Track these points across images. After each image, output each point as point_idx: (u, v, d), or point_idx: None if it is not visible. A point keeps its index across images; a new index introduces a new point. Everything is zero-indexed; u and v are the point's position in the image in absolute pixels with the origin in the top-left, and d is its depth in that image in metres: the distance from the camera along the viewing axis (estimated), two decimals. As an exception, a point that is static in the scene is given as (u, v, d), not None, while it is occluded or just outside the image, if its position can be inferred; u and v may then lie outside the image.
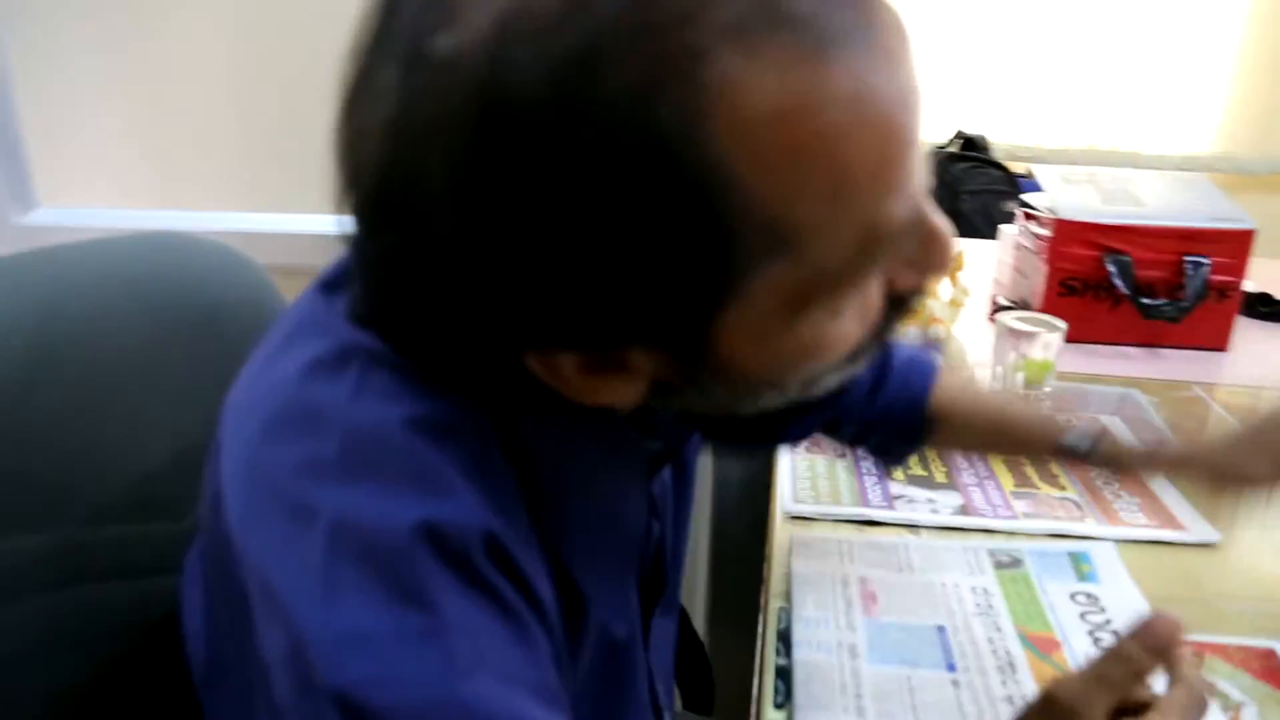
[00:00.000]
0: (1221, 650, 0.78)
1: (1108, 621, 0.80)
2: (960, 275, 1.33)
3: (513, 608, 0.40)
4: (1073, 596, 0.83)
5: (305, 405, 0.43)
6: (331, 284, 0.48)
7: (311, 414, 0.42)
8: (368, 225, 0.40)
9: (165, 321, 0.68)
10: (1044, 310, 1.40)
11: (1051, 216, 1.52)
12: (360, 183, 0.39)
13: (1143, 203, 1.55)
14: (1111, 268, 1.47)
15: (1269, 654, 0.79)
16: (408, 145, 0.36)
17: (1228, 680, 0.75)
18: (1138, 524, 0.96)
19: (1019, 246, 1.66)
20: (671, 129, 0.32)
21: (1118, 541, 0.92)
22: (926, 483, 1.02)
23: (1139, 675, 0.50)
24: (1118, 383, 1.35)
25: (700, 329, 0.39)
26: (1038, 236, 1.56)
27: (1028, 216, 1.63)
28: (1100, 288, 1.51)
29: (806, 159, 0.34)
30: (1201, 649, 0.78)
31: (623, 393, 0.43)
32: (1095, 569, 0.87)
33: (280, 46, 1.64)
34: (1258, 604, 0.86)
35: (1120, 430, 1.17)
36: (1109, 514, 0.97)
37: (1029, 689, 0.71)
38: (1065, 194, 1.58)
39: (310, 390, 0.43)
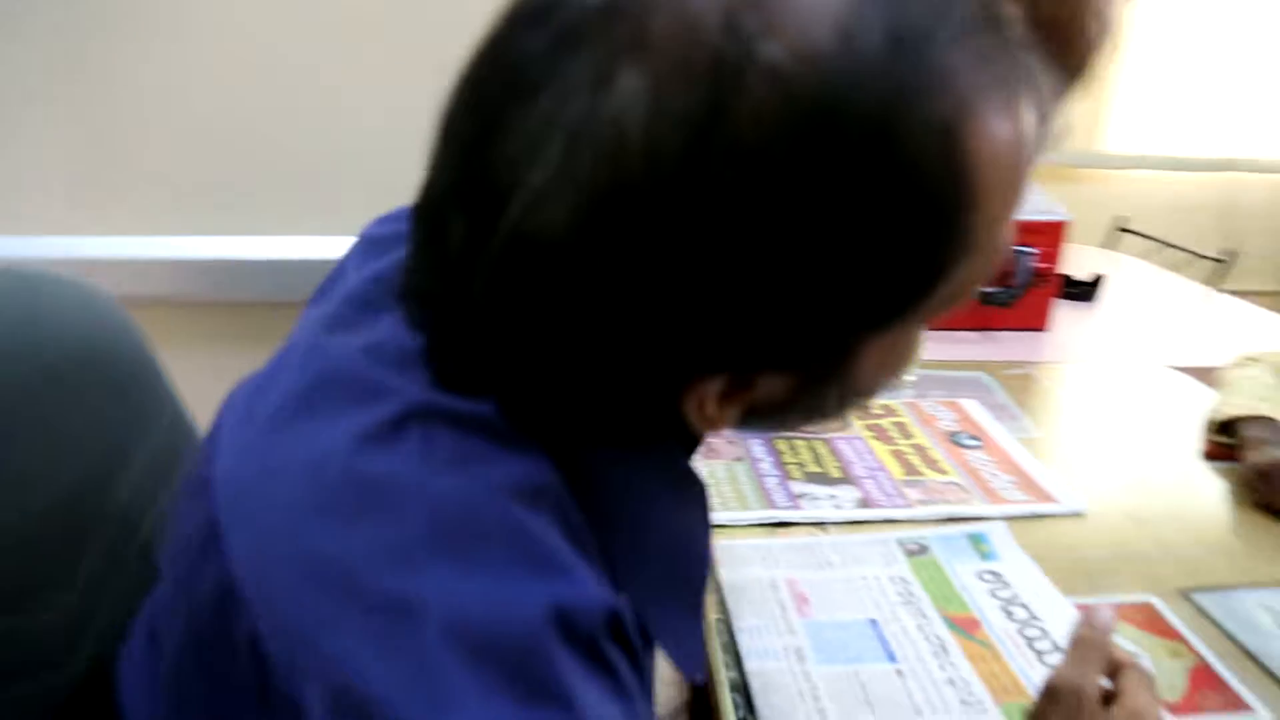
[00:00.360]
0: (1117, 609, 0.85)
1: (1015, 596, 0.85)
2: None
3: (626, 687, 0.37)
4: (979, 576, 0.88)
5: (367, 478, 0.37)
6: (344, 324, 0.43)
7: (377, 488, 0.37)
8: (526, 262, 0.35)
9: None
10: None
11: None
12: (536, 206, 0.34)
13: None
14: (1019, 260, 1.58)
15: (1147, 607, 0.86)
16: (649, 160, 0.33)
17: (1117, 636, 0.82)
18: (1018, 500, 1.03)
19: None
20: (956, 157, 0.35)
21: (1005, 519, 0.98)
22: (824, 479, 1.05)
23: (1104, 654, 0.55)
24: (966, 367, 1.44)
25: (858, 342, 0.40)
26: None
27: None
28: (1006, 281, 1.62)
29: (1014, 187, 0.39)
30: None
31: (731, 417, 0.42)
32: (993, 548, 0.93)
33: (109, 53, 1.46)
34: (1128, 564, 0.94)
35: (979, 413, 1.26)
36: (991, 494, 1.04)
37: (964, 669, 0.75)
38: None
39: (369, 460, 0.37)
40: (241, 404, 0.43)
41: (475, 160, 0.36)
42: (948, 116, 0.34)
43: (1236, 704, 0.74)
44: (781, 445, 1.11)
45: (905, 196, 0.35)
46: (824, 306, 0.37)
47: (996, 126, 0.36)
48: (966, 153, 0.35)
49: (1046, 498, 1.04)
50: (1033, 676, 0.74)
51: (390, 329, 0.42)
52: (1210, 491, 1.11)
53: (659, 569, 0.47)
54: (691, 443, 0.52)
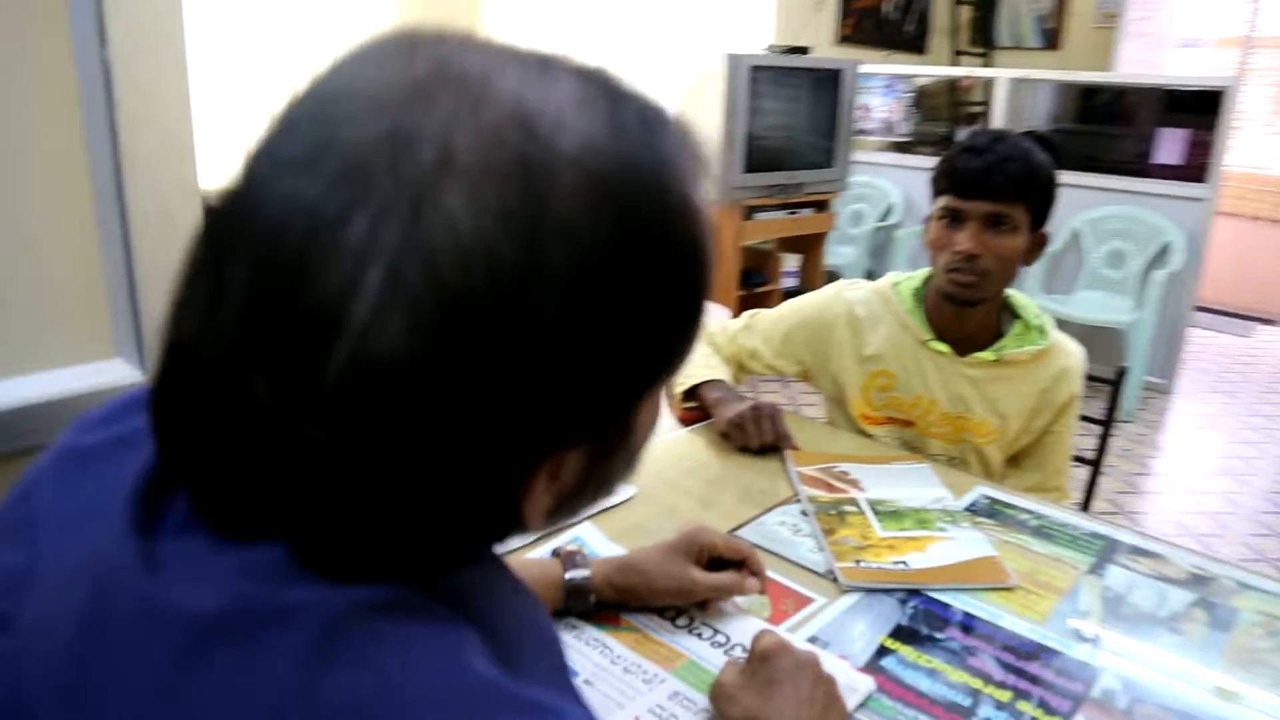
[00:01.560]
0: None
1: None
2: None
3: None
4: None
5: (345, 708, 0.35)
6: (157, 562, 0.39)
7: (362, 713, 0.35)
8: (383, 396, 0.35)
9: None
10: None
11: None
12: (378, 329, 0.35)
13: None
14: None
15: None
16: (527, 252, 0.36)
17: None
18: (587, 501, 1.19)
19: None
20: (695, 232, 0.42)
21: (589, 519, 1.14)
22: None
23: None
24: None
25: (640, 400, 0.45)
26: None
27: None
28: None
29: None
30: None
31: (544, 504, 0.44)
32: (591, 546, 1.07)
33: None
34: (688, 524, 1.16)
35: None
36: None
37: (631, 656, 0.88)
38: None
39: (335, 687, 0.35)
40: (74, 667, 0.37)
41: (273, 315, 0.35)
42: (685, 184, 0.41)
43: (801, 600, 0.99)
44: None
45: (681, 251, 0.41)
46: (632, 366, 0.41)
47: (704, 192, 0.43)
48: (700, 212, 0.42)
49: (605, 491, 1.21)
50: (681, 641, 0.90)
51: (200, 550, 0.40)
52: (702, 448, 1.40)
53: (542, 659, 0.50)
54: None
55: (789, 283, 4.37)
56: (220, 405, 0.37)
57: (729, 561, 0.94)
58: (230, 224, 0.38)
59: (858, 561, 1.04)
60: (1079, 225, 4.33)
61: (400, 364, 0.35)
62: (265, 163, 0.37)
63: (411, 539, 0.40)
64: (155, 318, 0.91)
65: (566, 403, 0.39)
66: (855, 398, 1.53)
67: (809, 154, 4.19)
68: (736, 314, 1.66)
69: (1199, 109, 4.37)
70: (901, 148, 5.32)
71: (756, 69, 3.88)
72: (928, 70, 5.16)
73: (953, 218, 1.39)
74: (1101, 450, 1.72)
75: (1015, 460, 1.55)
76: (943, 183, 1.40)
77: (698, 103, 4.01)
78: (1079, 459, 1.66)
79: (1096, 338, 4.40)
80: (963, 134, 1.51)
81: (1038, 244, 1.42)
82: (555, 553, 0.94)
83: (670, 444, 1.41)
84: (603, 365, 0.39)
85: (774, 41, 4.71)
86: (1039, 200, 1.38)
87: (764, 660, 0.77)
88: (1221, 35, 5.79)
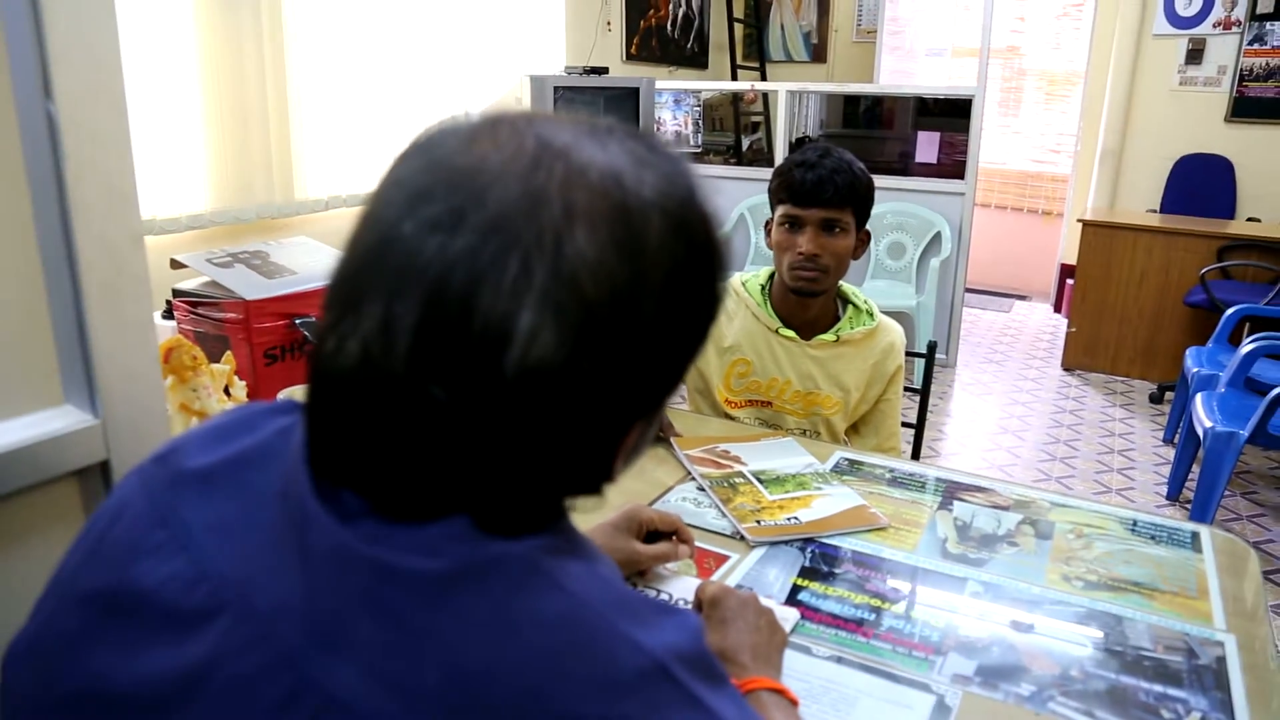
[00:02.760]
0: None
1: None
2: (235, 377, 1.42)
3: None
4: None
5: (556, 618, 0.48)
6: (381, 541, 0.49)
7: (566, 619, 0.48)
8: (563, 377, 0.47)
9: None
10: (249, 378, 1.57)
11: (237, 299, 1.67)
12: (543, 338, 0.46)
13: (295, 269, 1.82)
14: (305, 330, 1.72)
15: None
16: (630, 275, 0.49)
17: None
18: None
19: (184, 333, 1.76)
20: (720, 241, 0.55)
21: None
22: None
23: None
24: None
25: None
26: (224, 321, 1.70)
27: (190, 305, 1.74)
28: (295, 349, 1.75)
29: None
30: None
31: (622, 462, 0.57)
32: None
33: None
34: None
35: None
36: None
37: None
38: (228, 277, 1.74)
39: (546, 604, 0.48)
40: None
41: (445, 337, 0.46)
42: (709, 208, 0.55)
43: (720, 557, 1.14)
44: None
45: (718, 257, 0.55)
46: (691, 348, 0.55)
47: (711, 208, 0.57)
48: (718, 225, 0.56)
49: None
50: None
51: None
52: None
53: None
54: None
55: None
56: (401, 410, 0.47)
57: (662, 533, 1.07)
58: (380, 271, 0.48)
59: (758, 521, 1.21)
60: (861, 221, 4.78)
61: (556, 362, 0.47)
62: (407, 224, 0.48)
63: (558, 495, 0.54)
64: (106, 363, 0.94)
65: (656, 380, 0.53)
66: (718, 385, 1.71)
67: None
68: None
69: (951, 113, 4.95)
70: (695, 158, 5.65)
71: (560, 89, 4.04)
72: (712, 85, 5.52)
73: (792, 224, 1.61)
74: (922, 412, 1.99)
75: (855, 428, 1.79)
76: (781, 194, 1.61)
77: (507, 124, 4.12)
78: (905, 423, 1.92)
79: (885, 322, 4.88)
80: (785, 149, 1.72)
81: (864, 241, 1.66)
82: None
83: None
84: (679, 349, 0.54)
85: (568, 62, 4.90)
86: (862, 205, 1.63)
87: (714, 604, 0.92)
88: (958, 46, 6.53)
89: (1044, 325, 5.80)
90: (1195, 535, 1.22)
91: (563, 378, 0.47)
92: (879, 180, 4.76)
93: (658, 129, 5.33)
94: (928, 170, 4.90)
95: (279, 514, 0.51)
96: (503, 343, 0.46)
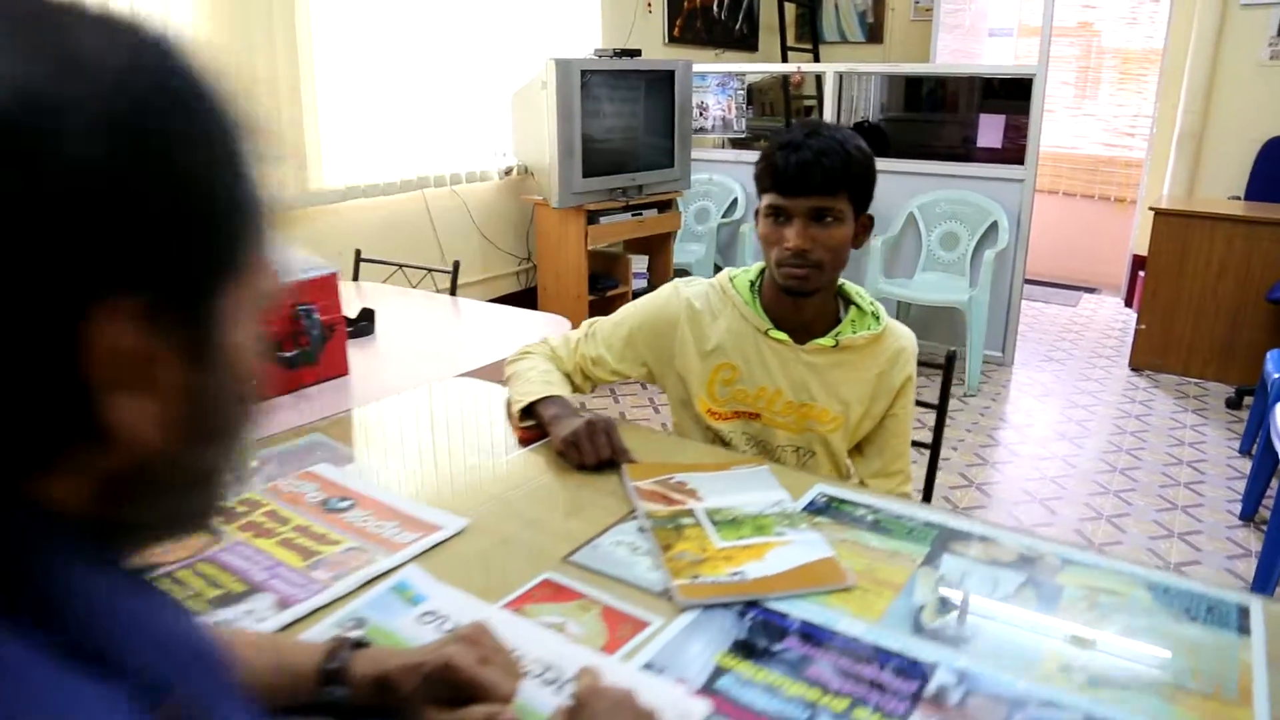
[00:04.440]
0: (531, 596, 1.00)
1: (458, 624, 0.94)
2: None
3: None
4: (420, 620, 0.95)
5: None
6: None
7: None
8: None
9: None
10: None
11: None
12: None
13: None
14: None
15: (547, 583, 1.03)
16: None
17: (543, 616, 0.97)
18: (411, 540, 1.11)
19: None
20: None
21: (413, 560, 1.06)
22: (231, 599, 0.99)
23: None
24: (299, 434, 1.47)
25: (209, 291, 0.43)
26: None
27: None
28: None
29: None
30: (518, 603, 0.98)
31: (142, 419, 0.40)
32: (418, 590, 1.00)
33: None
34: (518, 552, 1.10)
35: (334, 473, 1.30)
36: (387, 544, 1.11)
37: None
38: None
39: None
40: None
41: None
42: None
43: (639, 624, 0.94)
44: (172, 585, 1.02)
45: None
46: (156, 214, 0.39)
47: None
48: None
49: (432, 528, 1.14)
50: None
51: None
52: (540, 469, 1.34)
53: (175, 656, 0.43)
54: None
55: (640, 284, 4.37)
56: None
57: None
58: None
59: (695, 577, 1.01)
60: (914, 210, 4.49)
61: None
62: None
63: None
64: None
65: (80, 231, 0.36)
66: (700, 394, 1.51)
67: (649, 155, 4.19)
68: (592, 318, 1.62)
69: (1013, 95, 4.61)
70: (740, 144, 5.41)
71: (587, 73, 3.85)
72: (757, 67, 5.26)
73: (778, 214, 1.40)
74: (938, 433, 1.76)
75: (860, 448, 1.57)
76: (765, 181, 1.40)
77: (532, 110, 3.95)
78: (918, 444, 1.68)
79: (939, 318, 4.59)
80: (783, 129, 1.51)
81: (864, 227, 1.45)
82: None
83: (507, 466, 1.34)
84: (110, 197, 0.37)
85: (601, 45, 4.70)
86: (859, 188, 1.41)
87: (582, 706, 0.73)
88: (1025, 25, 6.14)
89: (1113, 321, 5.42)
90: (1244, 611, 0.97)
91: None
92: (931, 166, 4.49)
93: (700, 114, 5.11)
94: (988, 155, 4.58)
95: None
96: None
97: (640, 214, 4.20)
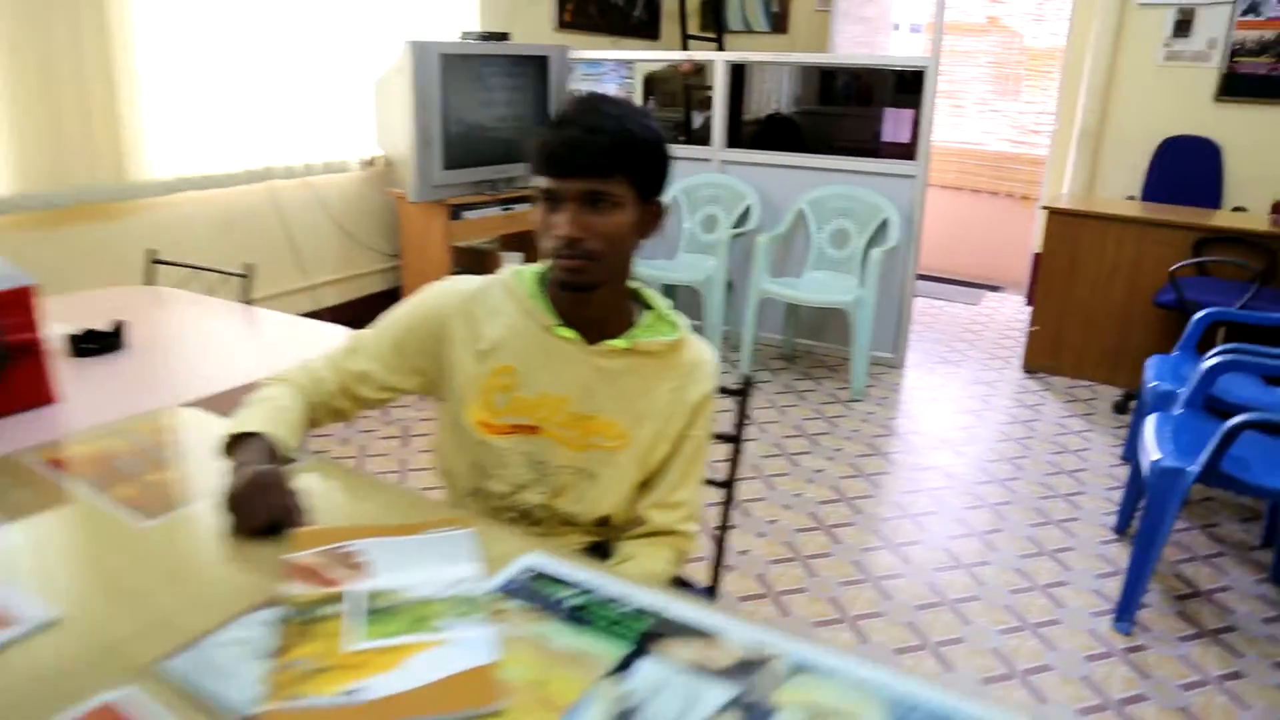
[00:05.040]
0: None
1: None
2: None
3: None
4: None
5: None
6: None
7: None
8: None
9: None
10: None
11: None
12: None
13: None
14: None
15: (105, 710, 0.78)
16: None
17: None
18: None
19: None
20: None
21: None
22: None
23: None
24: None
25: None
26: None
27: None
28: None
29: None
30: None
31: None
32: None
33: None
34: (106, 655, 0.85)
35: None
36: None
37: None
38: None
39: None
40: None
41: None
42: None
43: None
44: None
45: None
46: None
47: None
48: None
49: (5, 621, 0.88)
50: None
51: None
52: (194, 537, 1.09)
53: None
54: None
55: (515, 284, 4.11)
56: None
57: None
58: None
59: (294, 697, 0.77)
60: (804, 206, 4.31)
61: None
62: None
63: None
64: None
65: None
66: (474, 403, 1.29)
67: (518, 146, 3.93)
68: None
69: (907, 89, 4.46)
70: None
71: (449, 57, 3.58)
72: (644, 55, 5.01)
73: (550, 199, 1.20)
74: (734, 468, 1.54)
75: (652, 479, 1.35)
76: (537, 162, 1.20)
77: (392, 97, 3.67)
78: (711, 482, 1.47)
79: (831, 319, 4.42)
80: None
81: (653, 215, 1.26)
82: None
83: (162, 529, 1.09)
84: None
85: (480, 30, 4.42)
86: (643, 170, 1.22)
87: None
88: (928, 20, 6.02)
89: (1012, 319, 5.32)
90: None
91: None
92: (823, 161, 4.30)
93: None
94: (896, 150, 4.40)
95: None
96: None
97: (510, 208, 3.94)
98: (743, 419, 1.51)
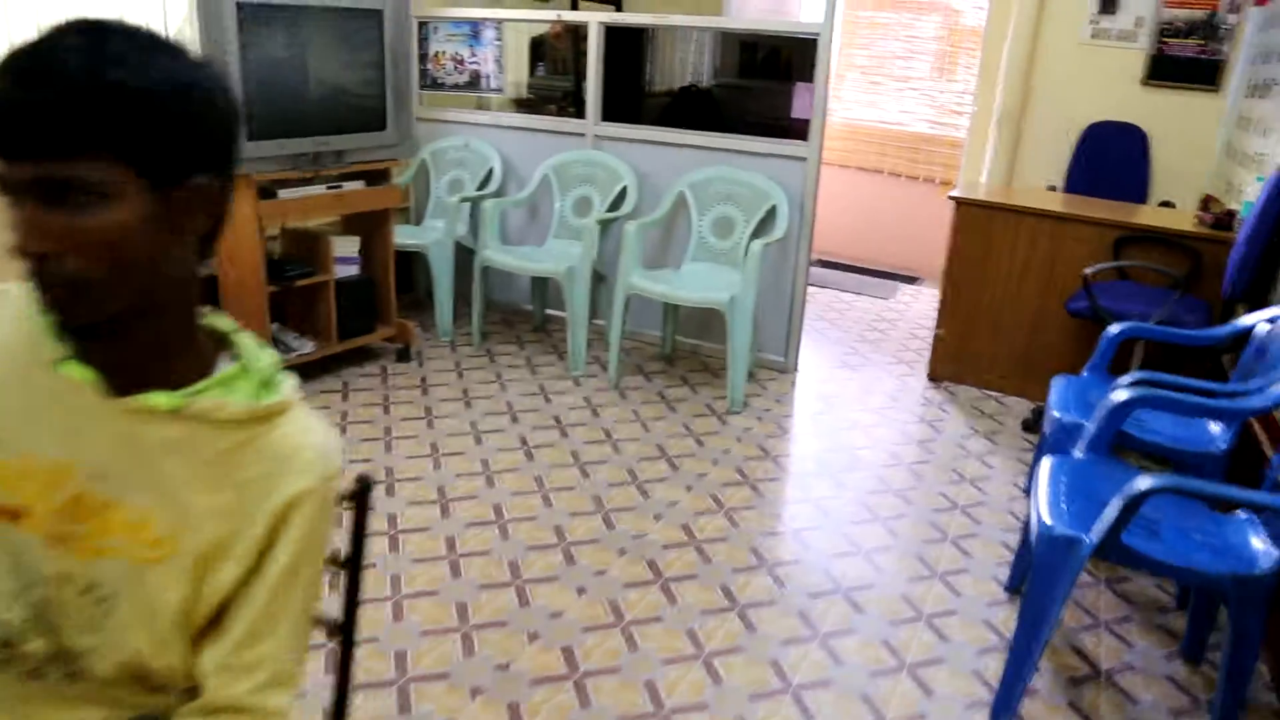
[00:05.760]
0: None
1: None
2: None
3: None
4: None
5: None
6: None
7: None
8: None
9: None
10: None
11: None
12: None
13: None
14: None
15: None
16: None
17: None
18: None
19: None
20: None
21: None
22: None
23: None
24: None
25: None
26: None
27: None
28: None
29: None
30: None
31: None
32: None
33: None
34: None
35: None
36: None
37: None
38: None
39: None
40: None
41: None
42: None
43: None
44: None
45: None
46: None
47: None
48: None
49: None
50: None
51: None
52: None
53: None
54: None
55: (347, 270, 3.53)
56: None
57: None
58: None
59: None
60: (684, 189, 3.80)
61: None
62: None
63: None
64: None
65: None
66: None
67: (348, 115, 3.35)
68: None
69: (797, 63, 3.96)
70: (527, 106, 4.63)
71: (245, 7, 2.98)
72: (501, 14, 4.40)
73: (7, 191, 0.73)
74: (351, 606, 1.02)
75: (220, 621, 0.84)
76: None
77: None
78: (326, 624, 0.95)
79: (714, 314, 3.92)
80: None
81: (190, 205, 0.77)
82: None
83: None
84: None
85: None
86: (143, 138, 0.73)
87: None
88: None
89: (925, 316, 4.86)
90: None
91: None
92: (707, 139, 3.75)
93: (435, 65, 4.29)
94: (777, 130, 3.91)
95: None
96: None
97: (338, 186, 3.36)
98: (361, 534, 0.99)
